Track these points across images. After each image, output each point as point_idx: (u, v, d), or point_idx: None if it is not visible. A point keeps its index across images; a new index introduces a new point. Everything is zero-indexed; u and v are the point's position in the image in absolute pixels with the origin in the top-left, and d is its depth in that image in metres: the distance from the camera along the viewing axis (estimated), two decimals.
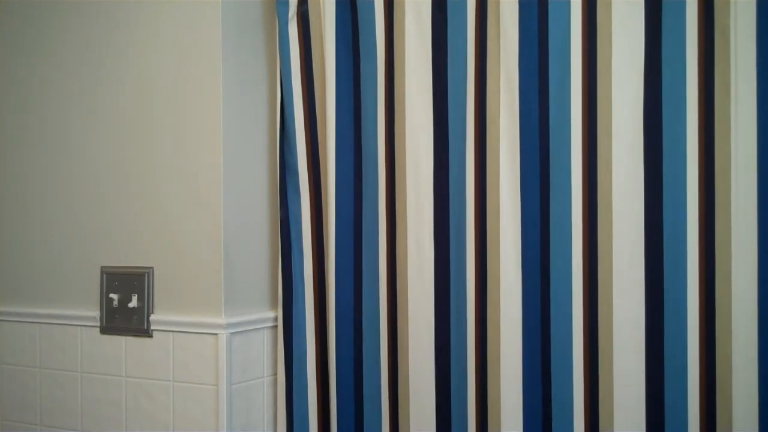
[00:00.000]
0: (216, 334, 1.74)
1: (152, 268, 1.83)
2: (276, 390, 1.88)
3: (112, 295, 1.86)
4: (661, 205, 1.50)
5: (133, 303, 1.84)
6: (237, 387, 1.77)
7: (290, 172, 1.85)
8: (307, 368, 1.84)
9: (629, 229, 1.52)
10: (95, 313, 1.89)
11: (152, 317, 1.82)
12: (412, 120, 1.70)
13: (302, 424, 1.84)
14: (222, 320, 1.74)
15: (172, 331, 1.80)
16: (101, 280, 1.88)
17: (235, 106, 1.79)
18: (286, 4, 1.82)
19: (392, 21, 1.72)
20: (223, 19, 1.76)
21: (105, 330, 1.88)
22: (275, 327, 1.88)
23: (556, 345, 1.57)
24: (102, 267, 1.89)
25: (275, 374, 1.88)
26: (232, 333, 1.76)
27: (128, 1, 1.86)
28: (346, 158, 1.80)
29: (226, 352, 1.74)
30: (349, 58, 1.80)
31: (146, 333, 1.83)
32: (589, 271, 1.55)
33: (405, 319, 1.71)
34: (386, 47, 1.73)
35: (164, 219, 1.81)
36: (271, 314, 1.88)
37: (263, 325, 1.86)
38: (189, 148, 1.79)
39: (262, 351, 1.86)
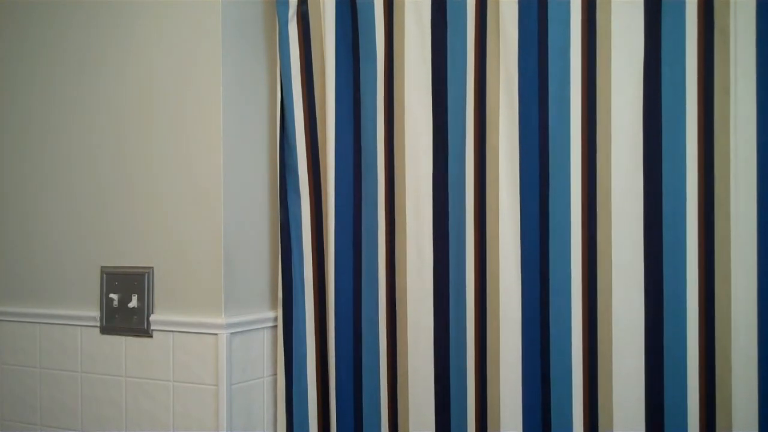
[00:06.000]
0: (216, 334, 1.74)
1: (152, 268, 1.83)
2: (276, 390, 1.88)
3: (112, 295, 1.86)
4: (661, 205, 1.50)
5: (133, 303, 1.84)
6: (237, 387, 1.77)
7: (290, 173, 1.85)
8: (306, 368, 1.84)
9: (629, 230, 1.52)
10: (95, 313, 1.89)
11: (152, 317, 1.82)
12: (412, 120, 1.70)
13: (302, 424, 1.84)
14: (222, 320, 1.74)
15: (172, 331, 1.80)
16: (101, 280, 1.88)
17: (235, 107, 1.79)
18: (286, 4, 1.82)
19: (392, 21, 1.72)
20: (223, 19, 1.76)
21: (105, 330, 1.88)
22: (275, 327, 1.88)
23: (556, 345, 1.57)
24: (102, 267, 1.89)
25: (275, 374, 1.88)
26: (232, 333, 1.76)
27: (129, 2, 1.86)
28: (346, 158, 1.80)
29: (226, 352, 1.74)
30: (349, 58, 1.80)
31: (146, 333, 1.83)
32: (588, 271, 1.55)
33: (404, 319, 1.71)
34: (386, 47, 1.73)
35: (164, 219, 1.81)
36: (271, 314, 1.88)
37: (263, 326, 1.86)
38: (189, 148, 1.79)
39: (262, 351, 1.86)
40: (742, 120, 1.44)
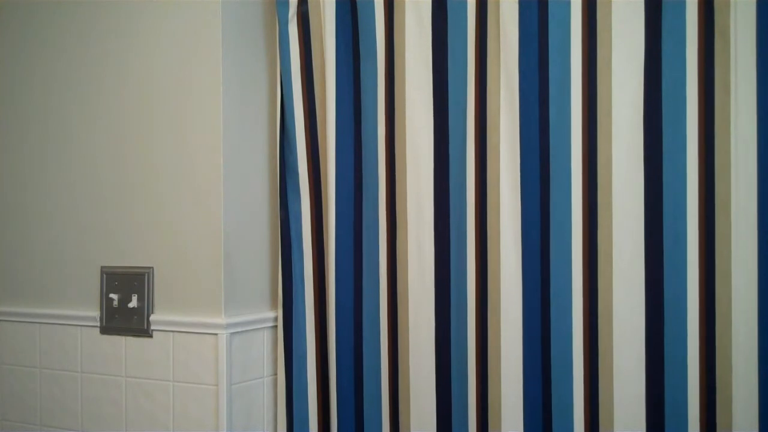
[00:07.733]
0: (216, 334, 1.74)
1: (152, 268, 1.83)
2: (276, 390, 1.88)
3: (112, 295, 1.86)
4: (661, 205, 1.50)
5: (133, 303, 1.84)
6: (237, 387, 1.77)
7: (290, 172, 1.85)
8: (307, 368, 1.84)
9: (629, 229, 1.52)
10: (95, 313, 1.89)
11: (152, 317, 1.82)
12: (412, 120, 1.70)
13: (302, 424, 1.84)
14: (222, 320, 1.74)
15: (172, 331, 1.80)
16: (101, 280, 1.88)
17: (235, 106, 1.79)
18: (286, 4, 1.82)
19: (392, 21, 1.72)
20: (223, 20, 1.76)
21: (105, 330, 1.88)
22: (275, 327, 1.88)
23: (557, 345, 1.57)
24: (102, 267, 1.89)
25: (275, 374, 1.89)
26: (232, 333, 1.76)
27: (129, 2, 1.86)
28: (346, 158, 1.80)
29: (226, 352, 1.74)
30: (349, 58, 1.80)
31: (146, 333, 1.83)
32: (589, 271, 1.55)
33: (405, 319, 1.71)
34: (386, 47, 1.73)
35: (164, 219, 1.81)
36: (271, 314, 1.88)
37: (263, 325, 1.86)
38: (189, 148, 1.79)
39: (262, 351, 1.86)
40: (743, 120, 1.44)
